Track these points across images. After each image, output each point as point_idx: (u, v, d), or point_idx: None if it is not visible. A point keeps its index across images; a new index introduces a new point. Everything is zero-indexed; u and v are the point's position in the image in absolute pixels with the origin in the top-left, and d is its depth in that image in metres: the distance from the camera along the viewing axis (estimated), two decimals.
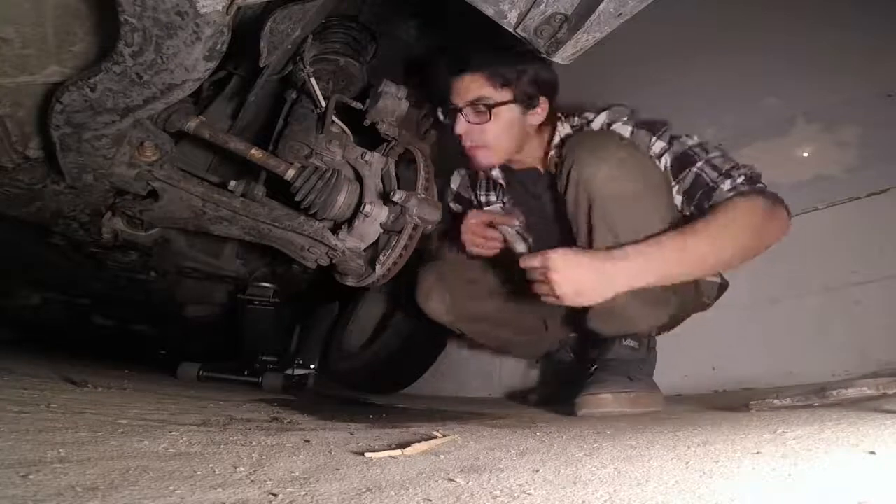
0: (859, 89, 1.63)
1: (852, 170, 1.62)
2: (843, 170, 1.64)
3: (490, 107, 1.28)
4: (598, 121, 1.33)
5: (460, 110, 1.30)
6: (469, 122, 1.31)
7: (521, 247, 1.34)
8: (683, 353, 1.69)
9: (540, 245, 1.51)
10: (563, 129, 1.38)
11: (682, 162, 1.21)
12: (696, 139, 1.24)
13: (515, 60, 1.27)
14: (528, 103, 1.32)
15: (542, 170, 1.45)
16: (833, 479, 0.54)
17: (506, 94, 1.29)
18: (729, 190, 1.14)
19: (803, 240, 1.65)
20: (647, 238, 1.13)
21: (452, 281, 1.58)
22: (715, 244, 1.10)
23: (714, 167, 1.18)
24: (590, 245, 1.22)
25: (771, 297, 1.65)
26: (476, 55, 1.28)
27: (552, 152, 1.38)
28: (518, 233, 1.38)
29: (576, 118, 1.38)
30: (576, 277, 1.10)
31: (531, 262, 1.16)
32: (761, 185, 1.16)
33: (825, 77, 1.68)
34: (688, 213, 1.23)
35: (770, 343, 1.64)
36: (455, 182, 1.71)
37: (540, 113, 1.34)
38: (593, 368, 1.34)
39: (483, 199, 1.63)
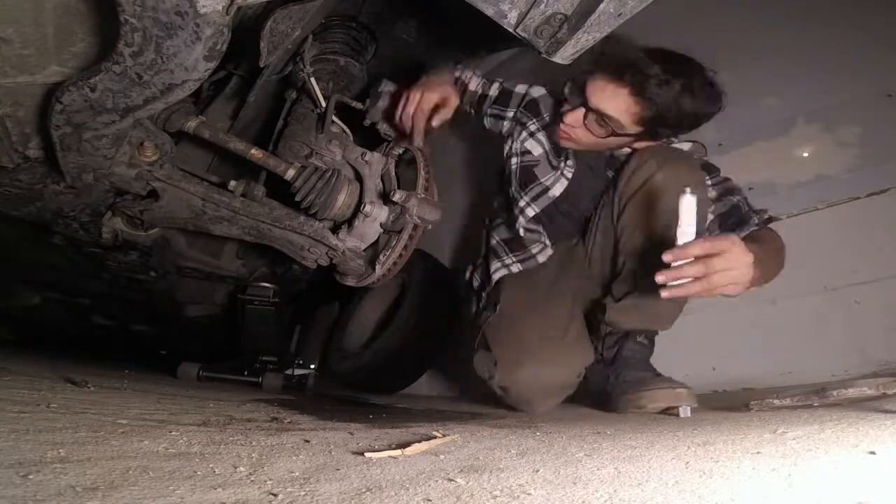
0: (859, 89, 1.63)
1: (852, 170, 1.62)
2: (843, 170, 1.64)
3: (613, 133, 1.34)
4: (682, 145, 1.45)
5: (587, 109, 1.33)
6: (586, 126, 1.35)
7: (692, 229, 0.99)
8: (683, 353, 1.69)
9: (563, 212, 1.56)
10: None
11: (726, 190, 1.37)
12: (733, 180, 1.41)
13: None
14: (650, 137, 1.37)
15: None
16: (833, 479, 0.54)
17: (635, 129, 1.33)
18: (756, 224, 1.30)
19: (803, 240, 1.65)
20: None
21: (534, 328, 1.34)
22: (772, 263, 1.21)
23: (748, 204, 1.35)
24: (657, 231, 1.27)
25: (771, 297, 1.65)
26: (643, 74, 1.25)
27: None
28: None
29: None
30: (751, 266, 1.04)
31: (725, 245, 0.99)
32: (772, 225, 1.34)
33: (825, 77, 1.68)
34: (715, 232, 1.34)
35: (770, 343, 1.64)
36: (537, 92, 1.56)
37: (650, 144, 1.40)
38: (616, 366, 1.36)
39: (532, 129, 1.53)
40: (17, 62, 0.85)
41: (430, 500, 0.52)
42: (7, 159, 1.00)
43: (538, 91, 1.57)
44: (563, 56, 0.83)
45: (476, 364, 1.40)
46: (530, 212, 1.52)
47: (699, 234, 1.00)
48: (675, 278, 0.99)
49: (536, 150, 1.53)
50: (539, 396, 1.31)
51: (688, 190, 0.99)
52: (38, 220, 1.22)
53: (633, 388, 1.26)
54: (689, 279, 0.98)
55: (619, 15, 0.75)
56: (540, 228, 1.55)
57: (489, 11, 0.78)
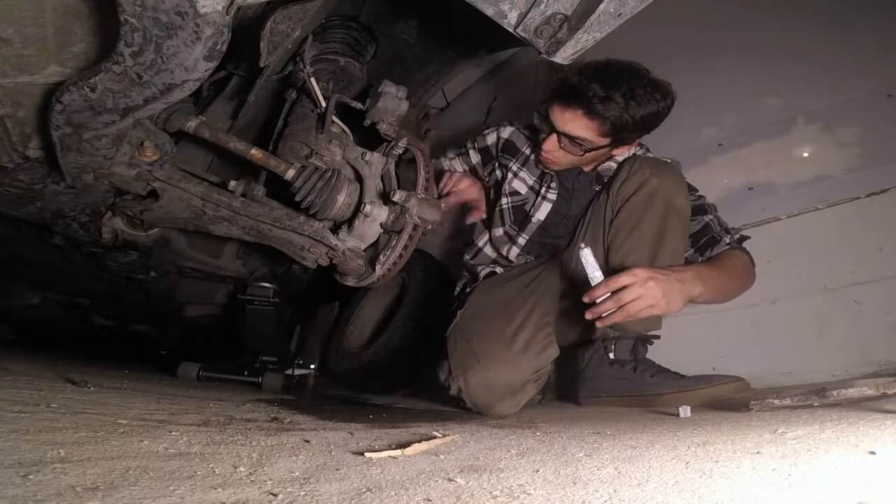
0: (859, 89, 1.63)
1: (852, 170, 1.62)
2: (843, 170, 1.64)
3: (586, 150, 1.44)
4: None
5: (558, 133, 1.43)
6: (563, 149, 1.45)
7: (597, 273, 1.23)
8: (684, 353, 1.69)
9: (547, 235, 1.65)
10: (627, 149, 1.54)
11: (698, 210, 1.46)
12: (706, 198, 1.52)
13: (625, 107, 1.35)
14: (621, 143, 1.46)
15: (586, 170, 1.60)
16: (833, 479, 0.54)
17: (603, 141, 1.42)
18: (727, 243, 1.42)
19: (803, 240, 1.65)
20: (688, 264, 1.40)
21: (484, 334, 1.38)
22: (728, 280, 1.37)
23: (720, 223, 1.46)
24: (657, 243, 1.38)
25: (771, 297, 1.65)
26: (586, 97, 1.33)
27: (609, 162, 1.55)
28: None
29: (637, 148, 1.58)
30: (666, 288, 1.20)
31: (626, 280, 1.18)
32: (745, 244, 1.45)
33: (825, 77, 1.68)
34: (689, 251, 1.45)
35: (770, 343, 1.64)
36: (506, 132, 1.71)
37: (628, 148, 1.52)
38: (642, 369, 1.41)
39: (514, 169, 1.67)
40: (17, 62, 0.85)
41: (430, 500, 0.52)
42: (7, 159, 1.00)
43: (507, 130, 1.70)
44: (564, 56, 0.84)
45: (438, 372, 1.44)
46: (521, 240, 1.66)
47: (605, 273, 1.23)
48: (598, 313, 1.21)
49: (523, 189, 1.67)
50: (490, 400, 1.31)
51: (581, 245, 1.22)
52: (38, 220, 1.22)
53: (697, 383, 1.31)
54: (612, 310, 1.19)
55: (619, 15, 0.75)
56: (526, 254, 1.68)
57: (489, 11, 0.78)
